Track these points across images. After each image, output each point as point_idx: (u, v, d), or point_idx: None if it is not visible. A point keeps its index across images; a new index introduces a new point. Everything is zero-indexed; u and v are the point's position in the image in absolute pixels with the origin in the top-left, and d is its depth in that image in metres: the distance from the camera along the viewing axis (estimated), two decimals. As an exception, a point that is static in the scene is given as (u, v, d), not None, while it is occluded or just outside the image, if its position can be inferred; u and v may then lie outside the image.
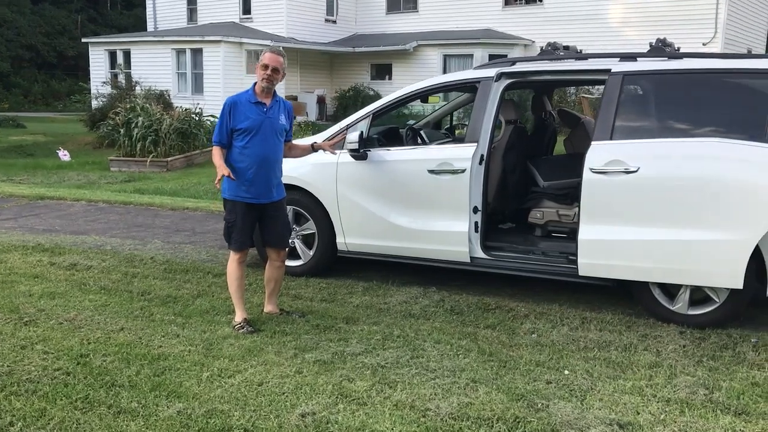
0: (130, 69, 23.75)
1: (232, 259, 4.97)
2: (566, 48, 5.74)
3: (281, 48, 5.20)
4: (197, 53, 22.65)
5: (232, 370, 4.09)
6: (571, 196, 5.69)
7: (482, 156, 5.34)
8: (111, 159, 16.00)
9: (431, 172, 5.41)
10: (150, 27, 28.19)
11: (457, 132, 7.33)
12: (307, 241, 6.10)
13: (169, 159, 15.73)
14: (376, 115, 5.78)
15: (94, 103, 22.85)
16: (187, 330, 4.77)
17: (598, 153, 4.79)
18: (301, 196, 5.89)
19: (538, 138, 6.60)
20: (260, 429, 3.41)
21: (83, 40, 26.43)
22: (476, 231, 5.39)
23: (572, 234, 5.49)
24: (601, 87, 5.21)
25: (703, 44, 19.56)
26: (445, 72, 23.62)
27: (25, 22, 43.67)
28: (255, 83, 4.89)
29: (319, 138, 5.87)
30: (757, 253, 4.48)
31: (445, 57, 23.67)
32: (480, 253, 5.40)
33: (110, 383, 3.90)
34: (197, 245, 7.44)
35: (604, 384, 3.95)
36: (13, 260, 6.54)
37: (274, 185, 4.92)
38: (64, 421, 3.46)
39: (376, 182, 5.65)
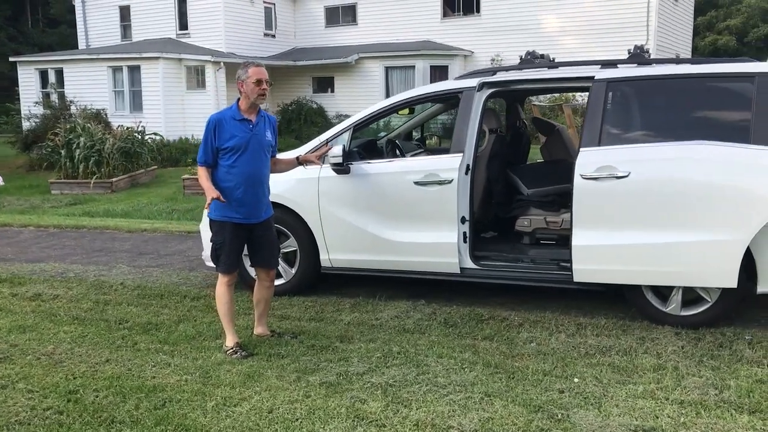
0: (63, 88, 22.93)
1: (221, 282, 4.77)
2: (541, 56, 5.78)
3: (259, 61, 5.03)
4: (134, 70, 22.04)
5: (236, 397, 3.92)
6: (558, 202, 5.72)
7: (468, 166, 5.31)
8: (52, 181, 15.38)
9: (417, 183, 5.35)
10: (82, 45, 27.28)
11: (427, 142, 7.30)
12: (288, 258, 5.94)
13: (113, 180, 15.23)
14: (357, 128, 5.69)
15: (26, 125, 21.94)
16: (177, 358, 4.55)
17: (588, 159, 4.82)
18: (281, 212, 5.72)
19: (515, 146, 6.63)
20: (283, 459, 3.26)
21: (11, 59, 25.36)
22: (465, 241, 5.35)
23: (561, 241, 5.53)
24: (582, 94, 5.25)
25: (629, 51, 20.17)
26: (387, 83, 23.72)
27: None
28: (238, 99, 4.73)
29: (301, 152, 5.73)
30: (746, 253, 4.56)
31: (387, 69, 23.73)
32: (470, 264, 5.36)
33: (109, 420, 3.68)
34: (166, 268, 7.17)
35: (615, 390, 3.94)
36: (-30, 293, 6.16)
37: (264, 203, 4.77)
38: (70, 464, 3.24)
39: (360, 196, 5.55)
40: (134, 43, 24.76)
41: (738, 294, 4.71)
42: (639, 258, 4.74)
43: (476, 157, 5.43)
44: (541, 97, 16.06)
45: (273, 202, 5.08)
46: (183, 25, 24.89)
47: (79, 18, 27.38)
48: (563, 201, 5.67)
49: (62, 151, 15.65)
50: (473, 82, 5.41)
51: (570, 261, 4.94)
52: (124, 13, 26.04)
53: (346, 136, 5.59)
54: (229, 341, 4.70)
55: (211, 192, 4.47)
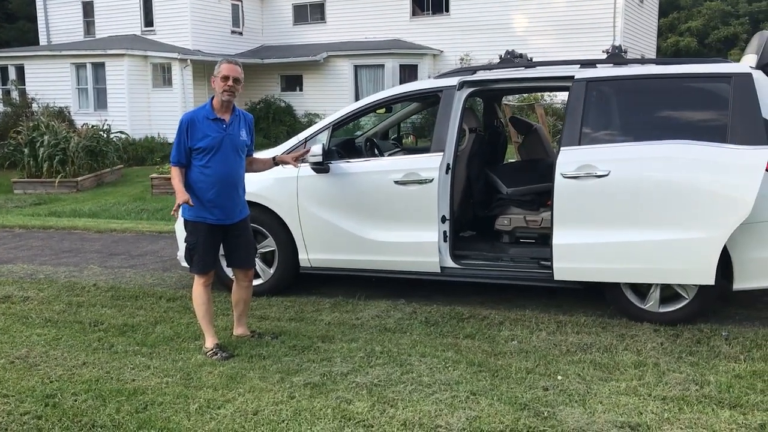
0: (24, 85, 22.40)
1: (197, 282, 4.70)
2: (520, 56, 5.81)
3: (235, 59, 4.94)
4: (99, 67, 21.62)
5: (219, 399, 3.86)
6: (537, 201, 5.76)
7: (448, 165, 5.31)
8: (14, 181, 15.02)
9: (397, 182, 5.33)
10: (43, 41, 26.68)
11: (404, 141, 7.29)
12: (266, 258, 5.88)
13: (79, 179, 14.93)
14: (336, 127, 5.65)
15: (-15, 122, 21.40)
16: (156, 360, 4.47)
17: (569, 158, 4.86)
18: (258, 212, 5.66)
19: (492, 146, 6.66)
20: (272, 461, 3.22)
21: (-31, 54, 24.70)
22: (445, 241, 5.35)
23: (541, 239, 5.56)
24: (557, 94, 5.28)
25: (604, 51, 20.46)
26: (356, 82, 23.66)
27: None
28: (212, 98, 4.65)
29: (277, 152, 5.67)
30: (723, 250, 4.64)
31: (356, 68, 23.66)
32: (450, 263, 5.37)
33: (90, 424, 3.59)
34: (138, 269, 7.04)
35: (598, 386, 3.98)
36: (-64, 296, 5.97)
37: (238, 204, 4.71)
38: (52, 471, 3.15)
39: (340, 195, 5.51)
40: (98, 40, 24.29)
41: (715, 291, 4.80)
42: (619, 256, 4.79)
43: (456, 157, 5.44)
44: (510, 96, 16.17)
45: (250, 202, 5.04)
46: (148, 22, 24.49)
47: (41, 13, 26.77)
48: (542, 200, 5.71)
49: (25, 150, 15.28)
50: (453, 81, 5.42)
51: (550, 259, 4.97)
52: (87, 9, 25.51)
53: (325, 135, 5.55)
54: (209, 342, 4.63)
55: (181, 195, 4.40)
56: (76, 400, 3.86)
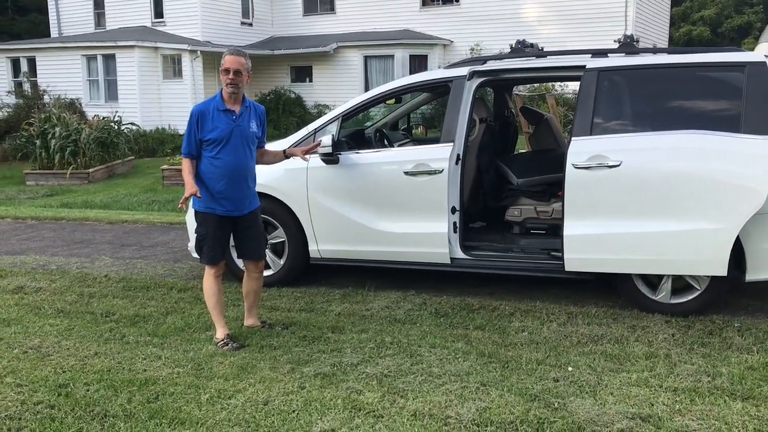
0: (36, 77, 22.49)
1: (208, 273, 4.72)
2: (531, 46, 5.77)
3: (240, 48, 4.94)
4: (109, 59, 21.67)
5: (230, 390, 3.87)
6: (548, 192, 5.73)
7: (458, 155, 5.29)
8: (27, 172, 15.10)
9: (407, 173, 5.32)
10: (54, 33, 26.76)
11: (413, 132, 7.27)
12: (277, 249, 5.89)
13: (90, 170, 14.99)
14: (346, 118, 5.64)
15: (-2, 114, 21.53)
16: (167, 350, 4.49)
17: (580, 148, 4.83)
18: (268, 203, 5.66)
19: (503, 136, 6.62)
20: (282, 451, 3.23)
21: (-18, 47, 24.84)
22: (455, 231, 5.34)
23: (551, 230, 5.53)
24: (568, 83, 5.25)
25: (616, 40, 20.32)
26: (366, 73, 23.60)
27: None
28: (221, 89, 4.65)
29: (286, 143, 5.67)
30: (735, 241, 4.61)
31: (366, 58, 23.59)
32: (460, 254, 5.35)
33: (102, 414, 3.61)
34: (150, 260, 7.07)
35: (609, 378, 3.96)
36: (-50, 286, 6.02)
37: (248, 196, 4.71)
38: (65, 460, 3.17)
39: (349, 186, 5.50)
40: (109, 31, 24.34)
41: (727, 282, 4.76)
42: (630, 247, 4.76)
43: (466, 147, 5.42)
44: (521, 86, 16.11)
45: (260, 193, 5.05)
46: (158, 13, 24.50)
47: (52, 6, 26.85)
48: (553, 190, 5.68)
49: (37, 141, 15.36)
50: (464, 71, 5.39)
51: (561, 250, 4.95)
52: (98, 0, 25.56)
53: (335, 126, 5.53)
54: (220, 333, 4.65)
55: (189, 187, 4.42)
56: (88, 390, 3.88)
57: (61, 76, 21.91)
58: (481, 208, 6.18)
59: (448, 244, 5.32)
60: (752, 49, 5.17)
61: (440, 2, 23.85)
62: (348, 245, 5.61)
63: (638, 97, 4.95)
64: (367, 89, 21.95)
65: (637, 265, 4.83)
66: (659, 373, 4.01)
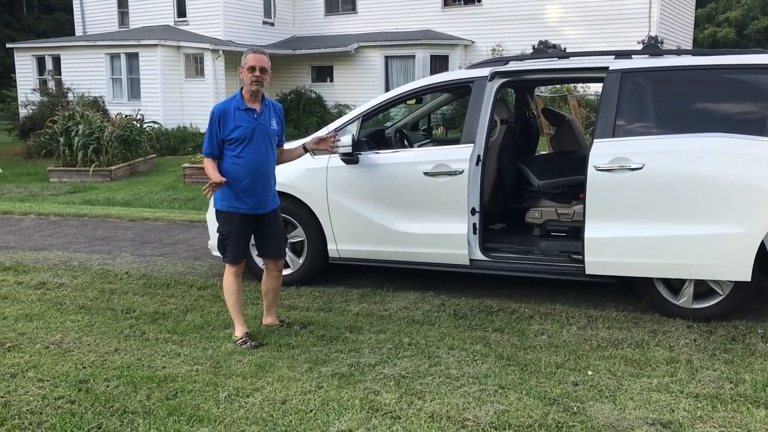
0: (60, 75, 22.75)
1: (228, 272, 4.74)
2: (553, 47, 5.73)
3: (260, 48, 4.93)
4: (133, 58, 21.88)
5: (248, 388, 3.88)
6: (569, 194, 5.69)
7: (479, 156, 5.27)
8: (50, 169, 15.28)
9: (427, 174, 5.30)
10: (79, 31, 27.07)
11: (434, 132, 7.25)
12: (296, 249, 5.90)
13: (112, 168, 15.14)
14: (366, 118, 5.63)
15: (23, 112, 21.80)
16: (186, 348, 4.51)
17: (602, 150, 4.78)
18: (288, 202, 5.67)
19: (524, 137, 6.59)
20: (300, 451, 3.23)
21: (8, 45, 25.18)
22: (475, 233, 5.31)
23: (572, 233, 5.49)
24: (590, 85, 5.20)
25: (640, 41, 20.15)
26: (387, 73, 23.60)
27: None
28: (242, 88, 4.66)
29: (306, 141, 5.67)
30: (760, 247, 4.54)
31: (387, 58, 23.60)
32: (479, 256, 5.33)
33: (121, 410, 3.64)
34: (170, 257, 7.12)
35: (629, 383, 3.92)
36: (-26, 281, 6.10)
37: (270, 193, 4.73)
38: (84, 455, 3.20)
39: (369, 186, 5.50)
40: (132, 30, 24.57)
41: (751, 287, 4.70)
42: (652, 251, 4.71)
43: (487, 148, 5.39)
44: (543, 87, 16.02)
45: (280, 192, 5.07)
46: (181, 12, 24.70)
47: (76, 4, 27.17)
48: (574, 193, 5.64)
49: (61, 139, 15.53)
50: (485, 71, 5.36)
51: (582, 253, 4.91)
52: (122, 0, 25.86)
53: (355, 125, 5.53)
54: (239, 331, 4.67)
55: (215, 177, 4.44)
56: (108, 386, 3.91)
57: (85, 74, 22.15)
58: (501, 209, 6.15)
59: (468, 246, 5.29)
60: (779, 51, 5.09)
61: (462, 2, 23.80)
62: (367, 245, 5.61)
63: (662, 99, 4.89)
64: (387, 89, 21.95)
65: (659, 269, 4.77)
66: (680, 378, 3.96)
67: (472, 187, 5.24)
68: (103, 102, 21.04)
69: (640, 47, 5.33)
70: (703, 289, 4.85)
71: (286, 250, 5.84)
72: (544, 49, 5.53)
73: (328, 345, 4.55)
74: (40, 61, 23.67)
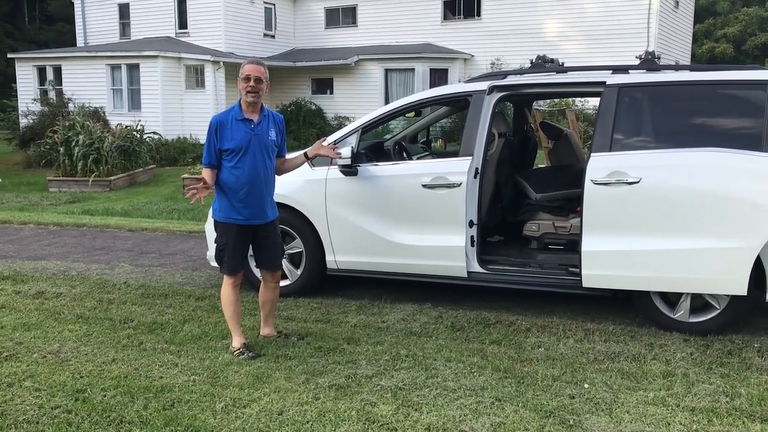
0: (61, 85, 22.84)
1: (226, 283, 4.75)
2: (551, 61, 5.77)
3: (259, 59, 4.97)
4: (133, 69, 21.97)
5: (245, 399, 3.89)
6: (566, 207, 5.71)
7: (477, 169, 5.30)
8: (50, 179, 15.31)
9: (426, 186, 5.33)
10: (80, 42, 27.20)
11: (432, 145, 7.28)
12: (294, 260, 5.92)
13: (112, 178, 15.18)
14: (365, 130, 5.66)
15: (23, 122, 21.87)
16: (184, 358, 4.52)
17: (599, 164, 4.81)
18: (286, 213, 5.68)
19: (522, 151, 6.62)
20: (296, 462, 3.24)
21: (9, 56, 25.29)
22: (472, 245, 5.33)
23: (570, 246, 5.51)
24: (588, 99, 5.24)
25: (637, 57, 20.25)
26: (386, 86, 23.71)
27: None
28: (240, 99, 4.69)
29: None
30: (756, 261, 4.56)
31: (387, 71, 23.71)
32: (477, 268, 5.34)
33: (118, 420, 3.64)
34: (168, 267, 7.13)
35: (625, 396, 3.93)
36: (-27, 290, 6.11)
37: (268, 204, 4.74)
38: (81, 464, 3.20)
39: (367, 198, 5.52)
40: (133, 42, 24.69)
41: (747, 302, 4.71)
42: (649, 264, 4.73)
43: (485, 161, 5.42)
44: (541, 102, 16.09)
45: (279, 203, 5.08)
46: (182, 24, 24.84)
47: (78, 15, 27.30)
48: (572, 206, 5.67)
49: (61, 149, 15.59)
50: (483, 85, 5.40)
51: (579, 266, 4.92)
52: (123, 11, 25.97)
53: (355, 137, 5.56)
54: (236, 342, 4.67)
55: (206, 182, 4.52)
56: (105, 396, 3.92)
57: (86, 84, 22.24)
58: (499, 222, 6.17)
59: (466, 258, 5.31)
60: (776, 68, 5.13)
61: (462, 16, 23.94)
62: (365, 257, 5.62)
63: (659, 114, 4.93)
64: (387, 102, 22.04)
65: (656, 283, 4.79)
66: (677, 392, 3.97)
67: (470, 199, 5.27)
68: (104, 112, 21.11)
69: (638, 62, 5.38)
70: (700, 303, 4.87)
71: (284, 261, 5.87)
72: (542, 64, 5.57)
73: (326, 356, 4.56)
74: (41, 72, 23.76)
